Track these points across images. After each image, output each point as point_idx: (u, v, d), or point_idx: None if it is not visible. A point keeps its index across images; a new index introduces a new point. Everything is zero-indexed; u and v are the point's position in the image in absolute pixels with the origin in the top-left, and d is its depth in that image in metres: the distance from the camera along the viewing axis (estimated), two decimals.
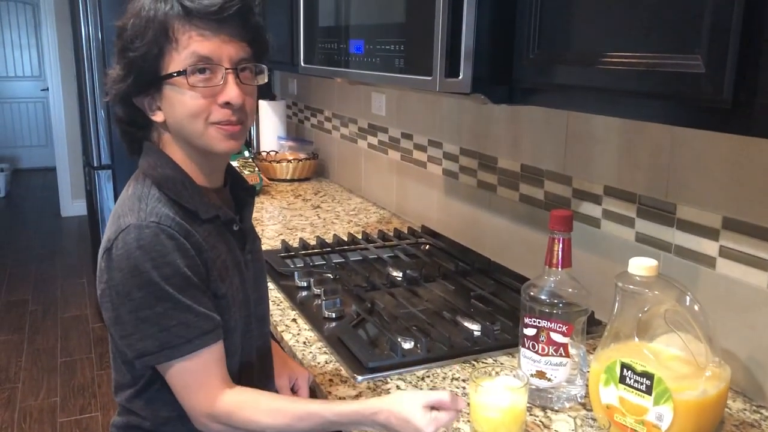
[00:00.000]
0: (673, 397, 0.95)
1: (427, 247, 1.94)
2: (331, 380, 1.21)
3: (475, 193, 1.89)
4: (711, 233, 1.21)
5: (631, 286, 1.03)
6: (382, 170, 2.47)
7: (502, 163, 1.76)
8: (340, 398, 1.15)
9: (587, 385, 1.13)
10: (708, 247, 1.22)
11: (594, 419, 1.09)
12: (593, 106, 1.01)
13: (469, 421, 1.08)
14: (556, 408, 1.12)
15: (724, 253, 1.19)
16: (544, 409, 1.13)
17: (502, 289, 1.60)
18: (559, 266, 1.11)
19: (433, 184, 2.11)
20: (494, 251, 1.81)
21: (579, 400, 1.14)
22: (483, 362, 1.29)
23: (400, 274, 1.67)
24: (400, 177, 2.33)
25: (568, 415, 1.11)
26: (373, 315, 1.45)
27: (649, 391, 0.97)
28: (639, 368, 0.99)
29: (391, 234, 2.04)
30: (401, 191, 2.33)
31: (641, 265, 1.02)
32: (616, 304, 1.05)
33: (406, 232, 2.05)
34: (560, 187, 1.57)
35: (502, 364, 1.27)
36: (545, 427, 1.08)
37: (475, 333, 1.36)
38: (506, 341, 1.33)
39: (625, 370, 1.00)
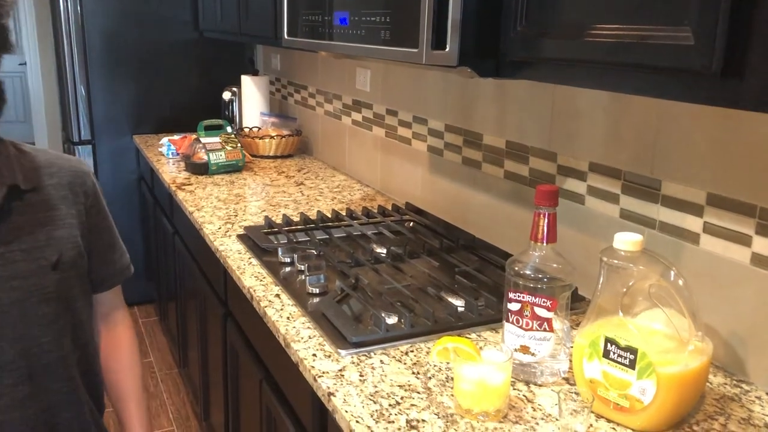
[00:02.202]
0: (656, 371, 0.96)
1: (412, 224, 1.94)
2: (314, 355, 1.21)
3: (459, 169, 1.88)
4: (695, 209, 1.22)
5: (616, 261, 1.03)
6: (366, 147, 2.45)
7: (488, 140, 1.76)
8: (324, 372, 1.15)
9: (571, 360, 1.13)
10: (692, 223, 1.23)
11: (577, 393, 1.09)
12: (581, 79, 1.00)
13: (452, 395, 1.08)
14: (539, 382, 1.13)
15: (708, 229, 1.20)
16: (527, 383, 1.13)
17: (486, 265, 1.60)
18: (544, 241, 1.11)
19: (417, 161, 2.10)
20: (479, 228, 1.80)
21: (562, 374, 1.14)
22: (467, 337, 1.28)
23: (385, 251, 1.67)
24: (385, 154, 2.31)
25: (552, 390, 1.11)
26: (357, 291, 1.44)
27: (632, 365, 0.98)
28: (623, 343, 0.99)
29: (376, 211, 2.03)
30: (386, 168, 2.32)
31: (626, 240, 1.02)
32: (601, 279, 1.05)
33: (390, 209, 2.04)
34: (545, 163, 1.57)
35: (485, 339, 1.27)
36: (528, 401, 1.08)
37: (459, 308, 1.36)
38: (490, 316, 1.33)
39: (608, 345, 1.01)
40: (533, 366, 1.13)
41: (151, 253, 3.27)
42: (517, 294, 1.11)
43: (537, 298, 1.10)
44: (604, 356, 1.01)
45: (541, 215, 1.10)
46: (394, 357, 1.21)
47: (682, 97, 0.87)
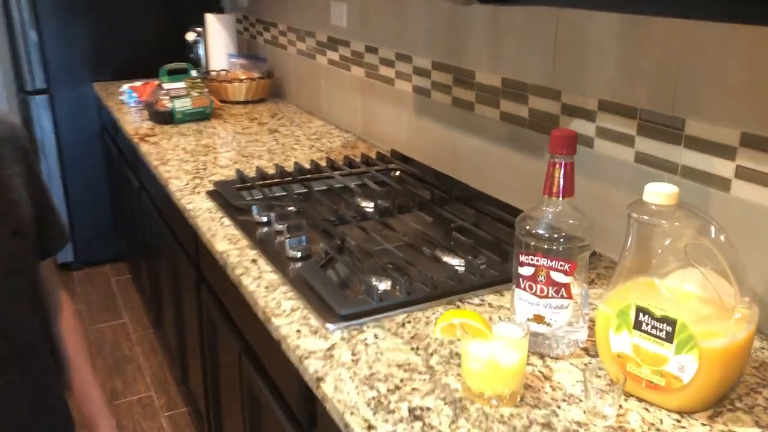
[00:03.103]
0: (698, 345, 0.82)
1: (399, 173, 1.77)
2: (299, 331, 1.06)
3: (449, 112, 1.71)
4: (726, 151, 1.07)
5: (647, 217, 0.88)
6: (344, 89, 2.26)
7: (481, 78, 1.58)
8: (310, 352, 1.00)
9: (590, 328, 1.00)
10: (722, 167, 1.08)
11: (600, 368, 0.96)
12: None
13: (459, 374, 0.95)
14: (555, 355, 0.99)
15: (742, 173, 1.05)
16: (542, 356, 1.00)
17: (483, 218, 1.45)
18: (560, 195, 0.95)
19: (402, 104, 1.92)
20: (473, 176, 1.65)
21: (580, 344, 1.01)
22: (469, 303, 1.14)
23: (371, 205, 1.51)
24: (365, 96, 2.13)
25: (570, 363, 0.98)
26: (344, 253, 1.29)
27: (669, 338, 0.84)
28: (658, 313, 0.85)
29: (358, 160, 1.86)
30: (367, 112, 2.14)
31: (659, 192, 0.87)
32: (630, 238, 0.90)
33: (374, 157, 1.88)
34: (548, 102, 1.40)
35: (493, 306, 1.13)
36: (545, 378, 0.95)
37: (459, 270, 1.21)
38: (493, 278, 1.19)
39: (641, 315, 0.87)
40: (548, 337, 0.99)
41: (119, 208, 3.07)
42: (530, 257, 0.97)
43: (553, 261, 0.95)
44: (635, 328, 0.88)
45: (557, 165, 0.95)
46: (389, 330, 1.06)
47: (713, 16, 0.70)
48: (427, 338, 1.04)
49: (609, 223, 1.24)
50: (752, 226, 1.04)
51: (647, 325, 0.86)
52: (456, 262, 1.24)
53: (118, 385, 2.49)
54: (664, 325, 0.85)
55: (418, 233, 1.37)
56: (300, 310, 1.12)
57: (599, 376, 0.89)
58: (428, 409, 0.88)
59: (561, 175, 0.95)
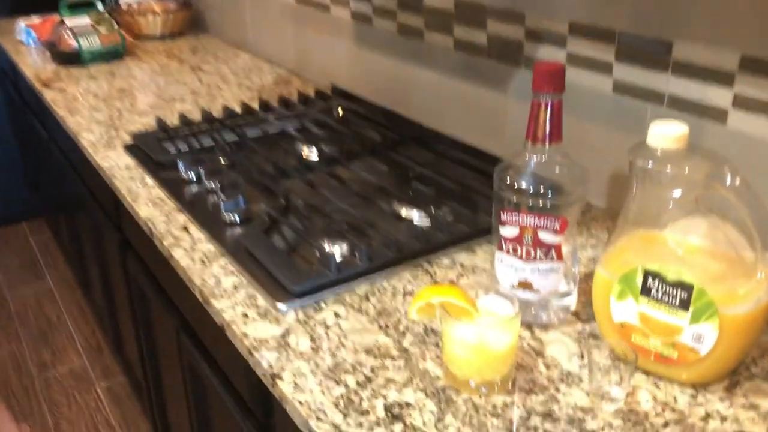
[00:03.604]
0: (719, 313, 0.71)
1: (342, 113, 1.59)
2: (245, 315, 0.90)
3: (395, 41, 1.53)
4: (722, 78, 0.94)
5: (652, 164, 0.75)
6: (273, 17, 2.02)
7: (430, 0, 1.40)
8: (261, 341, 0.85)
9: (580, 288, 0.88)
10: (717, 95, 0.95)
11: (595, 336, 0.84)
12: None
13: (438, 357, 0.81)
14: (542, 323, 0.87)
15: (741, 102, 0.93)
16: (529, 327, 0.87)
17: (443, 163, 1.30)
18: (547, 141, 0.81)
19: (340, 33, 1.72)
20: (427, 115, 1.48)
21: (571, 309, 0.89)
22: (439, 265, 1.00)
23: (315, 153, 1.34)
24: (298, 25, 1.91)
25: (562, 333, 0.86)
26: (290, 214, 1.12)
27: (685, 305, 0.72)
28: (672, 277, 0.73)
29: (295, 99, 1.66)
30: (300, 43, 1.92)
31: (666, 135, 0.74)
32: (634, 188, 0.77)
33: (312, 95, 1.68)
34: (509, 27, 1.24)
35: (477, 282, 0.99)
36: (537, 354, 0.82)
37: (423, 226, 1.07)
38: (463, 233, 1.05)
39: (650, 280, 0.74)
40: (535, 303, 0.86)
41: (29, 160, 2.78)
42: (514, 215, 0.82)
43: (541, 220, 0.81)
44: (642, 295, 0.75)
45: (543, 105, 0.80)
46: (351, 306, 0.92)
47: None
48: (396, 313, 0.90)
49: (584, 163, 1.11)
50: (753, 162, 0.93)
51: (658, 291, 0.74)
52: (419, 217, 1.09)
53: (46, 357, 2.29)
54: (678, 290, 0.72)
55: (373, 184, 1.21)
56: (244, 288, 0.96)
57: (597, 346, 0.77)
58: (408, 405, 0.74)
59: (547, 117, 0.80)
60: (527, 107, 0.81)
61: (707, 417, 0.72)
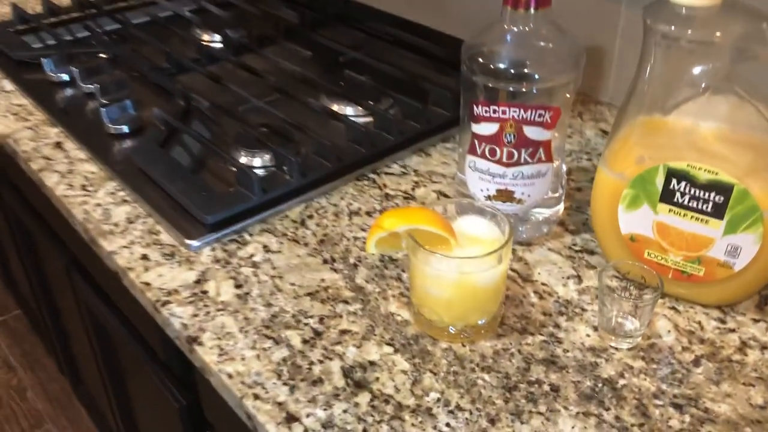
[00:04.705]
0: (764, 219, 0.55)
1: None
2: (145, 257, 0.69)
3: None
4: None
5: (674, 29, 0.57)
6: None
7: None
8: (169, 292, 0.64)
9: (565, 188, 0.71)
10: None
11: (590, 251, 0.68)
12: None
13: (403, 294, 0.64)
14: (523, 239, 0.70)
15: None
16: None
17: (378, 44, 1.08)
18: (532, 5, 0.61)
19: None
20: None
21: (558, 217, 0.72)
22: (388, 173, 0.81)
23: (219, 39, 1.08)
24: None
25: (549, 249, 0.69)
26: (193, 119, 0.89)
27: (719, 212, 0.57)
28: (704, 176, 0.56)
29: None
30: None
31: None
32: (651, 59, 0.58)
33: None
34: None
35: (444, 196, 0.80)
36: (524, 280, 0.66)
37: (362, 125, 0.86)
38: (414, 132, 0.86)
39: (674, 182, 0.58)
40: (519, 217, 0.69)
41: None
42: (491, 108, 0.63)
43: (528, 112, 0.62)
44: (663, 201, 0.59)
45: None
46: (285, 234, 0.72)
47: None
48: (342, 241, 0.71)
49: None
50: None
51: (684, 195, 0.57)
52: (356, 114, 0.88)
53: None
54: (713, 194, 0.56)
55: (294, 75, 0.98)
56: (141, 221, 0.74)
57: (605, 273, 0.61)
58: (373, 364, 0.57)
59: None
60: None
61: (743, 347, 0.58)
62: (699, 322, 0.60)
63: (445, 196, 0.77)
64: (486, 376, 0.56)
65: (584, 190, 0.78)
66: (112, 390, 1.10)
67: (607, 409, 0.53)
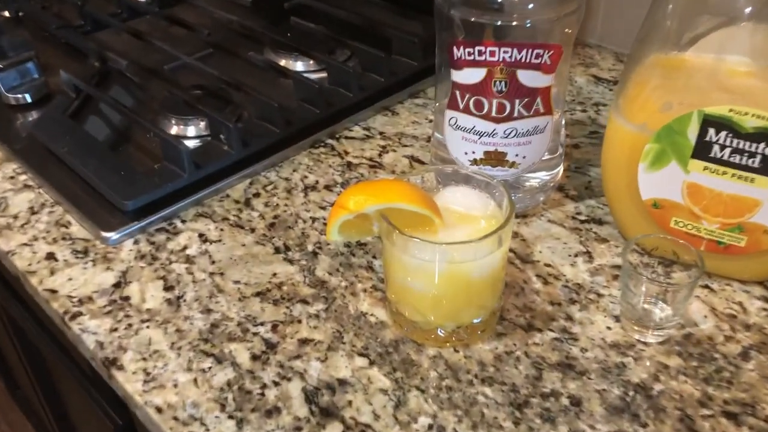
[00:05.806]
0: None
1: None
2: (51, 257, 0.55)
3: None
4: None
5: None
6: None
7: None
8: (82, 300, 0.51)
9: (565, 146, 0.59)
10: None
11: (599, 221, 0.57)
12: None
13: (375, 288, 0.51)
14: (517, 208, 0.58)
15: None
16: None
17: None
18: None
19: None
20: None
21: (556, 181, 0.60)
22: (349, 137, 0.68)
23: None
24: None
25: (550, 222, 0.58)
26: (111, 84, 0.74)
27: (766, 167, 0.45)
28: (750, 124, 0.44)
29: None
30: None
31: None
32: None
33: None
34: None
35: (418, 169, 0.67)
36: (524, 260, 0.54)
37: (314, 81, 0.72)
38: (376, 86, 0.72)
39: (711, 133, 0.46)
40: (510, 184, 0.57)
41: None
42: (474, 49, 0.50)
43: (522, 52, 0.50)
44: (696, 156, 0.47)
45: None
46: (225, 219, 0.58)
47: None
48: (298, 223, 0.58)
49: None
50: None
51: (725, 148, 0.46)
52: (307, 68, 0.75)
53: None
54: (762, 145, 0.44)
55: (232, 26, 0.83)
56: (47, 211, 0.60)
57: (626, 249, 0.50)
58: (343, 383, 0.45)
59: None
60: None
61: None
62: (740, 303, 0.49)
63: (419, 162, 0.65)
64: (488, 391, 0.44)
65: (582, 146, 0.66)
66: (47, 404, 0.96)
67: (644, 425, 0.42)
